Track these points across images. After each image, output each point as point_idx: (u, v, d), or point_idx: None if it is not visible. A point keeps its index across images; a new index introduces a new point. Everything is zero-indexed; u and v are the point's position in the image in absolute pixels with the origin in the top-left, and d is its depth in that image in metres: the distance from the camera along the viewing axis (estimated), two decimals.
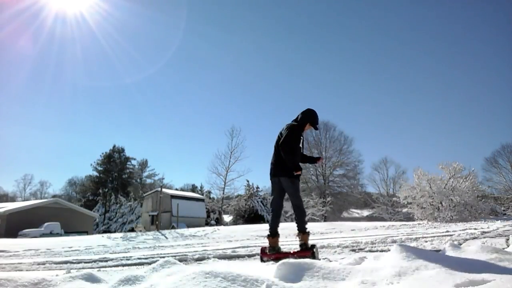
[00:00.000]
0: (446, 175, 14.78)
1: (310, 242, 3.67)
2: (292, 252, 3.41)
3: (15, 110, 63.42)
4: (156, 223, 26.52)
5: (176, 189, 49.64)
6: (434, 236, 5.97)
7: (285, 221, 33.69)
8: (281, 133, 3.65)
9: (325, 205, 30.42)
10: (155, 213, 32.41)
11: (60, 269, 4.11)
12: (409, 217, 19.50)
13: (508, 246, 3.68)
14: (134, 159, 52.20)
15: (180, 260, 3.99)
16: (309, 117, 3.77)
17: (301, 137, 3.69)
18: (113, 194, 44.11)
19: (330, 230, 9.45)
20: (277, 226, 3.68)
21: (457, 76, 56.28)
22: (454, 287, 1.55)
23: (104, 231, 36.34)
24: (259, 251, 4.74)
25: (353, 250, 4.56)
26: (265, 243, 5.85)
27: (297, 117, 3.79)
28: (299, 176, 3.53)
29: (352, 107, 61.47)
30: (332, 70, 64.27)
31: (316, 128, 3.85)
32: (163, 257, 4.64)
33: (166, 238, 10.03)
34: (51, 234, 20.98)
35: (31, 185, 58.82)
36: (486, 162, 35.68)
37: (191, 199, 35.62)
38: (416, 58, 58.12)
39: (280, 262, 1.99)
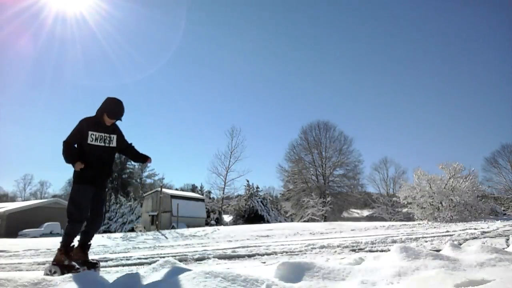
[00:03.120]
0: (446, 175, 14.79)
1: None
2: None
3: (15, 110, 63.42)
4: (156, 223, 26.51)
5: (176, 189, 49.64)
6: (434, 236, 5.97)
7: (285, 220, 33.75)
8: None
9: (325, 205, 30.41)
10: (155, 213, 32.41)
11: None
12: (409, 217, 19.50)
13: (508, 246, 3.68)
14: None
15: (180, 260, 3.99)
16: (104, 106, 3.04)
17: (103, 133, 3.05)
18: (113, 194, 44.12)
19: (330, 230, 9.46)
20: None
21: (457, 76, 56.32)
22: (454, 287, 1.55)
23: (104, 231, 36.31)
24: (259, 251, 4.74)
25: (353, 250, 4.56)
26: (266, 243, 5.86)
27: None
28: (80, 178, 2.93)
29: (352, 107, 61.49)
30: (332, 70, 64.29)
31: (114, 118, 3.06)
32: (163, 257, 4.64)
33: (166, 238, 10.03)
34: (51, 234, 20.98)
35: (31, 185, 58.86)
36: (486, 162, 35.69)
37: (191, 199, 35.60)
38: (416, 58, 58.15)
39: (280, 262, 1.98)
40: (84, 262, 2.88)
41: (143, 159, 3.35)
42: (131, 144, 3.33)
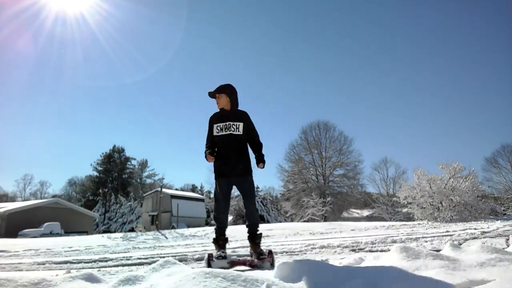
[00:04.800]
0: (446, 175, 14.79)
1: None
2: (247, 262, 2.96)
3: (15, 110, 63.48)
4: (156, 223, 26.53)
5: (176, 189, 49.65)
6: (434, 236, 5.97)
7: (285, 220, 33.73)
8: (233, 121, 3.09)
9: (325, 205, 30.41)
10: (155, 213, 32.43)
11: (60, 269, 4.11)
12: (409, 217, 19.51)
13: (508, 246, 3.68)
14: (134, 159, 52.28)
15: (180, 260, 3.98)
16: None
17: (227, 121, 3.15)
18: (113, 194, 44.13)
19: (330, 230, 9.46)
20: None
21: (457, 76, 56.32)
22: (454, 287, 1.55)
23: (104, 231, 36.35)
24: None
25: (353, 250, 4.55)
26: (266, 243, 5.87)
27: (234, 100, 3.18)
28: (214, 173, 3.13)
29: (352, 107, 61.51)
30: (332, 70, 64.31)
31: (211, 96, 3.17)
32: (163, 257, 4.64)
33: (166, 238, 10.04)
34: (51, 234, 20.98)
35: (31, 185, 58.84)
36: (486, 162, 35.68)
37: (191, 199, 35.64)
38: (416, 58, 58.16)
39: (280, 262, 1.98)
40: (253, 253, 3.00)
41: (258, 161, 3.11)
42: (260, 143, 3.18)
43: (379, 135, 60.91)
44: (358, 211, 39.46)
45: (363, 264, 2.40)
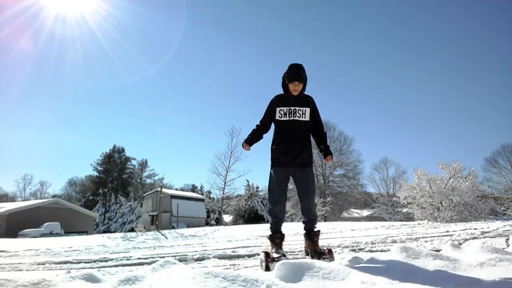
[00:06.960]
0: (446, 175, 14.79)
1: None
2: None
3: (15, 110, 63.47)
4: (156, 223, 26.50)
5: (176, 189, 49.60)
6: (434, 236, 5.96)
7: (285, 221, 33.68)
8: (310, 109, 2.82)
9: (325, 205, 30.41)
10: (155, 213, 32.39)
11: (60, 269, 4.10)
12: (409, 217, 19.52)
13: (508, 246, 3.68)
14: (134, 159, 52.31)
15: (180, 260, 3.98)
16: (284, 74, 2.81)
17: (292, 106, 2.81)
18: (113, 194, 44.14)
19: (330, 230, 9.45)
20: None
21: (457, 76, 56.32)
22: (454, 287, 1.55)
23: (104, 231, 36.35)
24: (259, 251, 4.72)
25: (353, 250, 4.55)
26: (265, 243, 5.85)
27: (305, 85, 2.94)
28: (271, 161, 2.94)
29: (352, 107, 61.51)
30: (332, 70, 64.29)
31: (293, 80, 2.72)
32: (163, 257, 4.64)
33: (166, 238, 10.04)
34: (51, 234, 20.99)
35: (31, 185, 58.85)
36: (486, 162, 35.64)
37: (191, 199, 35.59)
38: (416, 58, 58.16)
39: (280, 262, 1.98)
40: (311, 251, 2.70)
41: (324, 153, 2.83)
42: (325, 133, 2.94)
43: (379, 135, 60.97)
44: (358, 211, 39.46)
45: (362, 264, 2.40)
